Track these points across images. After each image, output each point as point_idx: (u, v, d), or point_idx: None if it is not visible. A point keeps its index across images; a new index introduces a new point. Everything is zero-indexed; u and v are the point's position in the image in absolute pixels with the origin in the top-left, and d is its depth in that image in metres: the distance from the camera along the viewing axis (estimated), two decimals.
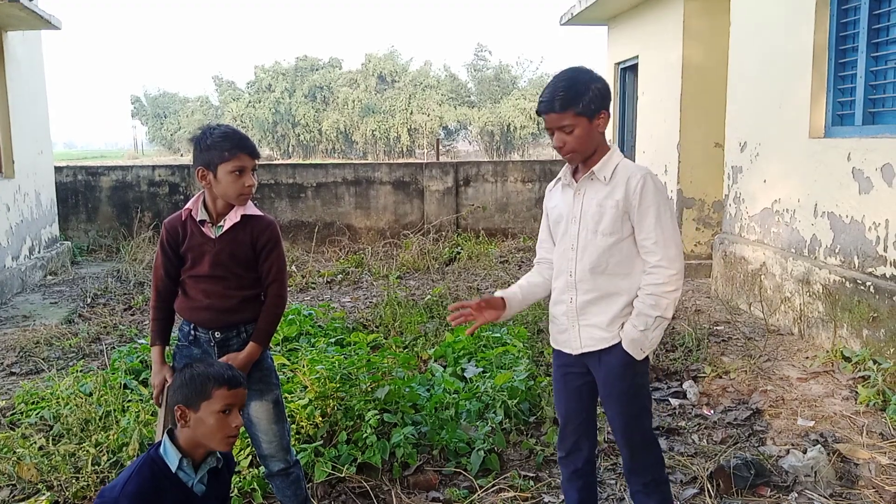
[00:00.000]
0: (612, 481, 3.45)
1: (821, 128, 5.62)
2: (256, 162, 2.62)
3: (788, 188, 5.99)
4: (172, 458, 2.07)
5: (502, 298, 2.61)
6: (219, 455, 2.18)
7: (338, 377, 3.77)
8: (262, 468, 3.08)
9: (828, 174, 5.39)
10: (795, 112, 5.82)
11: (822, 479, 3.36)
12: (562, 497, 3.07)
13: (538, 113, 2.39)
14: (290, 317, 5.61)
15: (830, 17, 5.47)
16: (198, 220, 2.61)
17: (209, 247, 2.60)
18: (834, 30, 5.46)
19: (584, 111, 2.33)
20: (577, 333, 2.48)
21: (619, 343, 2.41)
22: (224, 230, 2.60)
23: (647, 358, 2.45)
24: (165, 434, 2.11)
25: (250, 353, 2.59)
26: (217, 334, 2.62)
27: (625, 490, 3.24)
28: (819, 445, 3.63)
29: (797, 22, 5.76)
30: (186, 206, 2.65)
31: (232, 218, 2.60)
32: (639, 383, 2.47)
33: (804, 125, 5.70)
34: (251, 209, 2.66)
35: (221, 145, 2.54)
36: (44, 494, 3.24)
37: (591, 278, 2.43)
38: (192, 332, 2.66)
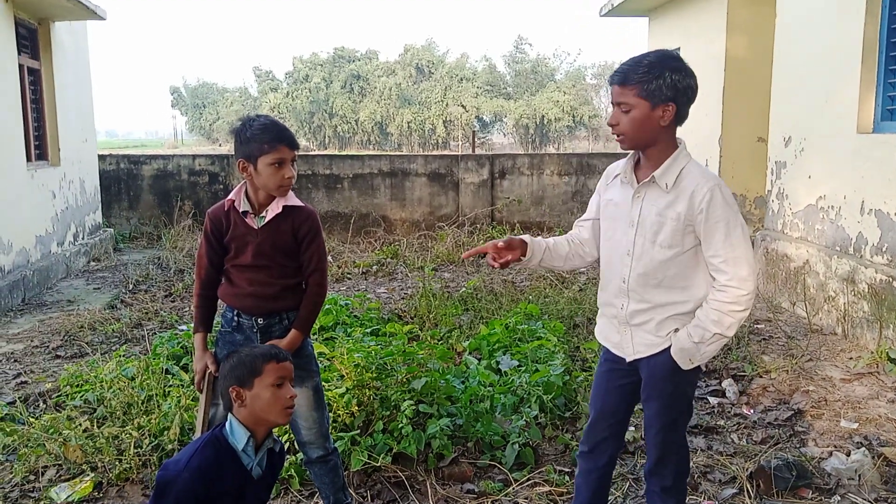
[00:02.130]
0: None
1: (869, 123, 5.47)
2: (296, 153, 2.63)
3: (834, 184, 5.85)
4: (240, 435, 2.14)
5: (523, 241, 2.47)
6: (275, 438, 2.25)
7: (374, 367, 3.79)
8: (300, 455, 3.12)
9: (876, 170, 5.25)
10: (843, 106, 5.67)
11: (866, 483, 3.28)
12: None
13: (609, 82, 2.26)
14: (327, 306, 5.65)
15: (882, 10, 5.31)
16: (241, 210, 2.64)
17: (252, 237, 2.63)
18: (885, 22, 5.30)
19: (648, 95, 2.17)
20: (629, 339, 2.39)
21: (669, 347, 2.32)
22: (266, 221, 2.63)
23: (698, 367, 2.34)
24: (231, 414, 2.17)
25: (292, 339, 2.63)
26: (260, 321, 2.66)
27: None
28: (863, 448, 3.55)
29: (847, 14, 5.61)
30: (229, 197, 2.69)
31: (274, 209, 2.63)
32: (683, 390, 2.39)
33: (852, 120, 5.56)
34: (292, 200, 2.68)
35: (261, 137, 2.56)
36: (88, 475, 3.32)
37: (644, 289, 2.31)
38: (236, 318, 2.69)
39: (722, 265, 2.21)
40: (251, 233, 2.64)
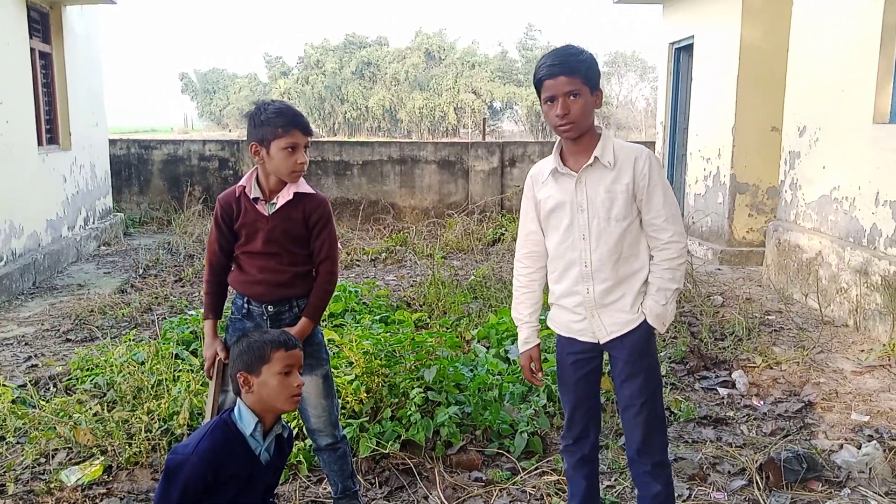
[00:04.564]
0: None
1: (886, 113, 5.40)
2: (309, 140, 2.61)
3: (849, 175, 5.79)
4: (249, 420, 2.15)
5: (536, 345, 2.60)
6: (284, 423, 2.26)
7: (383, 354, 3.79)
8: (309, 441, 3.13)
9: (892, 161, 5.19)
10: (860, 96, 5.60)
11: (877, 476, 3.26)
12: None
13: (541, 79, 2.32)
14: (337, 293, 5.65)
15: None
16: (251, 197, 2.62)
17: (262, 224, 2.62)
18: None
19: (589, 81, 2.31)
20: (599, 322, 2.44)
21: (643, 322, 2.41)
22: (277, 208, 2.61)
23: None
24: (239, 400, 2.17)
25: (302, 328, 2.62)
26: (270, 308, 2.65)
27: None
28: (874, 441, 3.52)
29: (865, 3, 5.53)
30: (240, 183, 2.66)
31: (285, 195, 2.61)
32: (656, 360, 2.51)
33: (868, 110, 5.49)
34: (304, 186, 2.65)
35: (275, 121, 2.54)
36: (98, 458, 3.34)
37: (608, 266, 2.40)
38: (246, 305, 2.69)
39: (664, 223, 2.39)
40: (262, 219, 2.62)
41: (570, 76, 2.29)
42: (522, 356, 2.61)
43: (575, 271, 2.44)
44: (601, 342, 2.47)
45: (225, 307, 2.82)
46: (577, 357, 2.52)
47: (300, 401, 2.69)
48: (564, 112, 2.31)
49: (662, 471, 2.51)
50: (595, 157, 2.36)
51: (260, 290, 2.65)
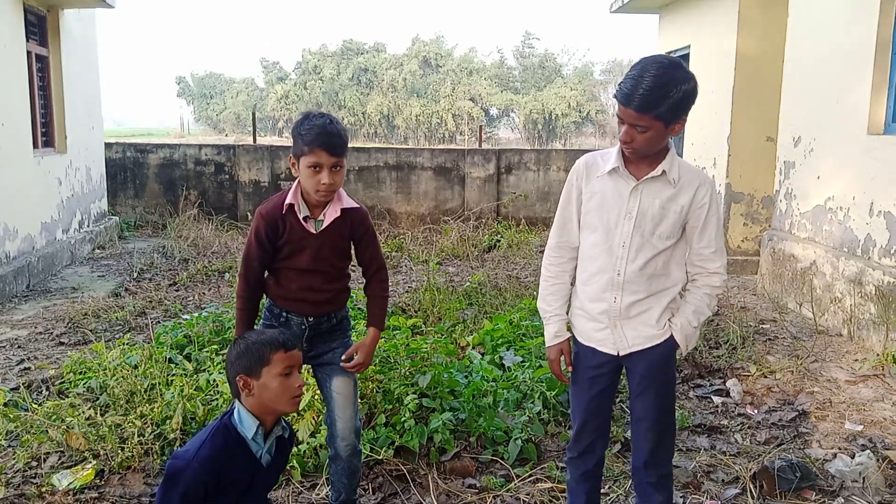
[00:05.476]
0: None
1: (880, 124, 5.43)
2: (338, 160, 2.49)
3: (843, 185, 5.81)
4: (249, 424, 2.12)
5: (567, 340, 2.52)
6: (284, 424, 2.24)
7: (377, 360, 3.78)
8: (301, 446, 3.12)
9: (886, 172, 5.21)
10: (854, 107, 5.63)
11: (870, 486, 3.26)
12: None
13: (615, 97, 2.22)
14: None
15: None
16: (301, 216, 2.55)
17: (309, 242, 2.56)
18: None
19: (664, 116, 2.16)
20: (622, 333, 2.38)
21: (668, 339, 2.38)
22: (325, 226, 2.56)
23: None
24: (238, 403, 2.15)
25: (374, 338, 2.64)
26: (310, 319, 2.64)
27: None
28: (868, 451, 3.52)
29: (860, 15, 5.56)
30: (287, 200, 2.55)
31: (332, 213, 2.56)
32: (673, 376, 2.51)
33: (863, 121, 5.52)
34: (346, 201, 2.60)
35: (304, 137, 2.46)
36: (90, 463, 3.32)
37: (641, 280, 2.34)
38: (284, 314, 2.65)
39: (712, 255, 2.38)
40: (309, 237, 2.56)
41: (640, 113, 2.16)
42: (552, 350, 2.49)
43: (605, 278, 2.37)
44: (620, 354, 2.41)
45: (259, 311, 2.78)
46: (595, 373, 2.46)
47: (331, 402, 2.67)
48: (627, 140, 2.23)
49: (666, 483, 2.51)
50: (662, 171, 2.30)
51: (302, 306, 2.62)
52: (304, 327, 2.63)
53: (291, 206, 2.55)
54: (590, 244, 2.41)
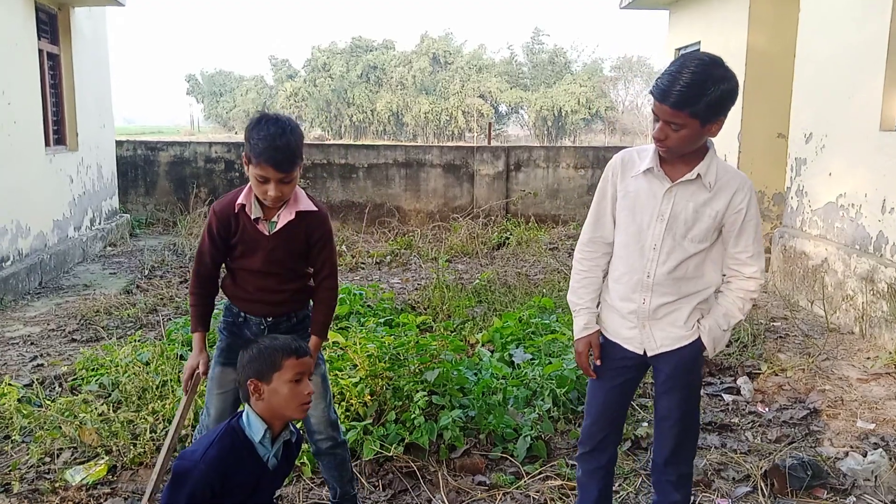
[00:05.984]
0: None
1: (893, 120, 5.39)
2: (287, 175, 2.39)
3: (855, 182, 5.77)
4: (258, 428, 2.13)
5: (597, 332, 2.48)
6: (292, 428, 2.24)
7: (387, 357, 3.79)
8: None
9: None
10: (866, 103, 5.59)
11: (882, 485, 3.25)
12: None
13: (651, 93, 2.17)
14: (342, 296, 5.66)
15: None
16: (252, 217, 2.49)
17: (263, 244, 2.51)
18: None
19: (700, 114, 2.10)
20: (650, 333, 2.37)
21: (696, 340, 2.36)
22: (278, 228, 2.49)
23: None
24: (248, 406, 2.16)
25: (315, 346, 2.58)
26: (269, 319, 2.60)
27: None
28: (880, 449, 3.51)
29: (872, 11, 5.52)
30: (238, 200, 2.49)
31: (286, 216, 2.49)
32: (700, 376, 2.48)
33: (875, 117, 5.48)
34: (304, 203, 2.52)
35: (253, 148, 2.36)
36: (103, 458, 3.35)
37: (670, 283, 2.31)
38: (242, 314, 2.62)
39: (749, 259, 2.33)
40: (262, 239, 2.50)
41: (675, 109, 2.10)
42: (580, 342, 2.46)
43: (635, 279, 2.35)
44: (648, 354, 2.40)
45: (215, 309, 2.77)
46: (619, 365, 2.45)
47: None
48: (661, 137, 2.17)
49: (686, 482, 2.51)
50: (698, 175, 2.24)
51: (257, 307, 2.59)
52: (262, 327, 2.59)
53: (243, 206, 2.49)
54: (621, 244, 2.39)
